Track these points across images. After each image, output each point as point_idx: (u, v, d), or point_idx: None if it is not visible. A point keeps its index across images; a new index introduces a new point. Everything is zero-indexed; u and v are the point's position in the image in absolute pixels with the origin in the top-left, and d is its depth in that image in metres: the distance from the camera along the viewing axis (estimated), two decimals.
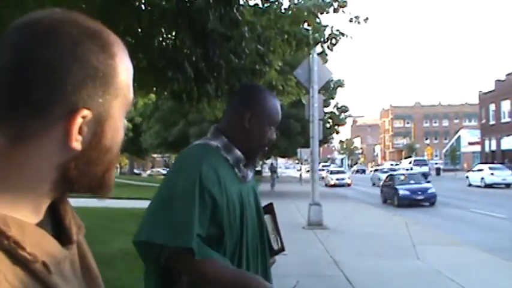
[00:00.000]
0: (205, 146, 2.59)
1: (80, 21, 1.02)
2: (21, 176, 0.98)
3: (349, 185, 55.57)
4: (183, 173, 2.45)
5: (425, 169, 61.14)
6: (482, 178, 44.12)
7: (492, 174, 44.06)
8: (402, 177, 33.65)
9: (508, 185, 43.22)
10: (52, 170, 1.00)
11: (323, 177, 60.24)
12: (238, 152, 2.60)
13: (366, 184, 57.90)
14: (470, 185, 45.34)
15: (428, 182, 36.54)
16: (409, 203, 29.44)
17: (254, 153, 2.72)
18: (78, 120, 0.98)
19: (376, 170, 60.83)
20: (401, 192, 30.60)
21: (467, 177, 48.69)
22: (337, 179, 56.51)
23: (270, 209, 2.99)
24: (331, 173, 60.99)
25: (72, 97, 0.97)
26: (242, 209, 2.57)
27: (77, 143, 0.99)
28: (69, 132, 0.98)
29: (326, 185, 55.01)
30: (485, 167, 48.62)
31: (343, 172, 63.54)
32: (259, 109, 2.64)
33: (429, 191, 30.47)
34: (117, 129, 1.07)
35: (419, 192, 30.36)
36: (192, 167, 2.45)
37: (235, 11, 8.01)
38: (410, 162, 70.79)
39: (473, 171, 50.47)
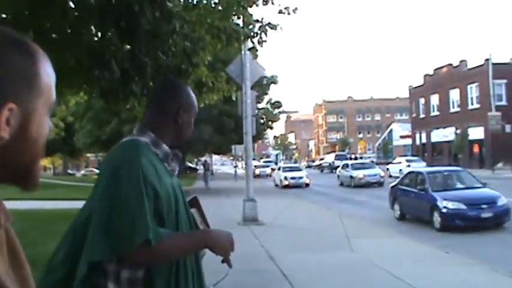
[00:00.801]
0: (136, 142, 2.61)
1: (6, 32, 1.18)
2: None
3: (307, 185, 43.86)
4: (125, 169, 2.45)
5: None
6: (400, 170, 45.84)
7: (409, 166, 46.12)
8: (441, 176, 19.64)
9: None
10: None
11: (269, 175, 57.99)
12: (165, 147, 2.68)
13: (325, 182, 48.32)
14: (390, 176, 47.35)
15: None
16: (465, 224, 16.08)
17: (182, 144, 2.85)
18: (6, 113, 1.12)
19: (346, 166, 44.78)
20: (447, 205, 16.44)
21: (387, 169, 51.92)
22: (292, 178, 44.10)
23: (195, 202, 3.03)
24: (283, 170, 47.56)
25: (0, 93, 1.12)
26: (176, 201, 2.63)
27: (4, 133, 1.12)
28: None
29: (277, 186, 46.13)
30: (402, 159, 54.98)
31: (298, 169, 48.75)
32: (187, 103, 2.78)
33: (499, 203, 16.53)
34: (41, 123, 1.21)
35: (484, 206, 16.34)
36: (132, 161, 2.47)
37: (168, 4, 7.94)
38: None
39: (393, 163, 55.79)
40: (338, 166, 50.05)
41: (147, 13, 7.26)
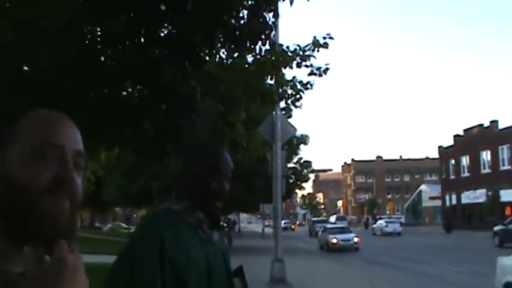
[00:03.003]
0: (165, 212, 2.55)
1: None
2: None
3: None
4: (143, 244, 2.38)
5: (345, 223, 77.42)
6: (381, 229, 57.94)
7: (387, 226, 58.77)
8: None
9: (398, 234, 57.70)
10: None
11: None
12: (200, 214, 2.54)
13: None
14: (374, 234, 60.32)
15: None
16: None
17: (216, 210, 2.63)
18: None
19: None
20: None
21: (373, 228, 64.76)
22: None
23: (239, 272, 2.90)
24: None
25: None
26: (209, 272, 2.49)
27: None
28: None
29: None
30: (382, 221, 67.04)
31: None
32: (215, 165, 2.61)
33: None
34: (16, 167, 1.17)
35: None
36: (152, 235, 2.37)
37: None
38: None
39: (375, 223, 69.94)
40: None
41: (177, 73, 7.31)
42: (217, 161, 2.63)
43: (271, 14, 7.52)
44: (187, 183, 2.61)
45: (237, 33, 7.38)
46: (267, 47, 8.01)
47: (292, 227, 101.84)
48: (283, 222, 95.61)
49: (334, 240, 38.88)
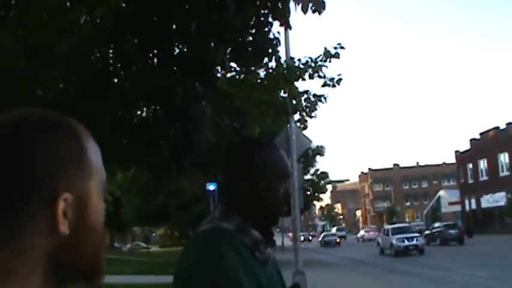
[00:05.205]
0: (217, 232, 2.08)
1: (49, 116, 1.06)
2: (13, 273, 0.96)
3: None
4: (198, 279, 1.93)
5: (343, 233, 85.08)
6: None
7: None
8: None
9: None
10: (43, 259, 0.99)
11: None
12: (255, 233, 2.11)
13: None
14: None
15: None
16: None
17: (272, 219, 2.26)
18: (61, 205, 0.99)
19: None
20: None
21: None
22: None
23: None
24: None
25: (50, 184, 0.99)
26: None
27: (64, 227, 0.99)
28: (55, 217, 0.99)
29: None
30: (362, 231, 76.14)
31: None
32: (267, 166, 2.16)
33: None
34: (98, 207, 1.08)
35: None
36: (209, 270, 1.94)
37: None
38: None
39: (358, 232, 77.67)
40: None
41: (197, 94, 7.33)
42: (272, 159, 2.18)
43: (277, 29, 7.52)
44: (240, 194, 2.14)
45: (242, 50, 7.37)
46: (273, 63, 8.01)
47: (338, 240, 79.16)
48: (322, 234, 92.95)
49: None
